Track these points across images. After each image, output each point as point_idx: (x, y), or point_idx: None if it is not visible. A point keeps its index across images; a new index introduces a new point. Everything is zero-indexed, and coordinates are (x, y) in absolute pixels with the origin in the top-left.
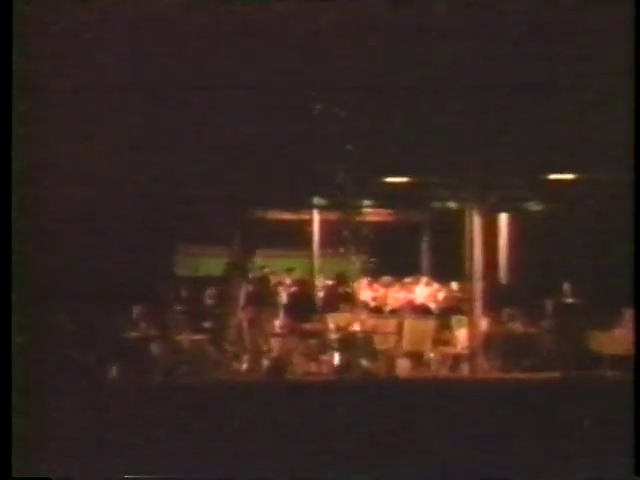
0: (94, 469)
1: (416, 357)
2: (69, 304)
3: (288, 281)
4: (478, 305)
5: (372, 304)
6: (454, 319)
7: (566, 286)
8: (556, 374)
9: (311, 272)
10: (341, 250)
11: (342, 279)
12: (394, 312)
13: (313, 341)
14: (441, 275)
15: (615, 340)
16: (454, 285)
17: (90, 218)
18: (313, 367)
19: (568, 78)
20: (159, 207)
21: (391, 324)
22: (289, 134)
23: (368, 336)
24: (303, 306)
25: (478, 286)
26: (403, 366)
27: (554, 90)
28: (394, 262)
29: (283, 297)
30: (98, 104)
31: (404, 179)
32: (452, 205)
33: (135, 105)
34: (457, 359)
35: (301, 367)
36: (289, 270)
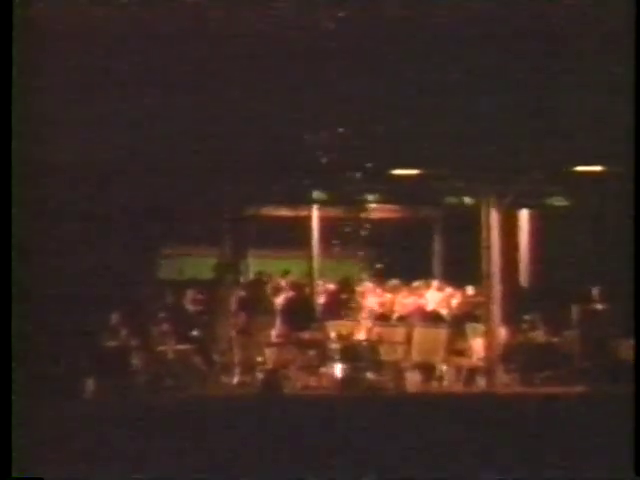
0: None
1: (427, 369)
2: (37, 310)
3: (284, 285)
4: (496, 311)
5: (378, 311)
6: (469, 327)
7: (595, 290)
8: (583, 388)
9: (310, 275)
10: (343, 250)
11: (344, 283)
12: (402, 319)
13: (312, 352)
14: (455, 278)
15: None
16: (469, 289)
17: (62, 214)
18: (312, 381)
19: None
20: (140, 203)
21: (399, 333)
22: (284, 121)
23: (373, 346)
24: (301, 313)
25: (496, 290)
26: (412, 379)
27: (581, 75)
28: (402, 264)
29: (278, 303)
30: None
31: (414, 171)
32: (467, 200)
33: (115, 97)
34: (472, 372)
35: (299, 381)
36: (285, 273)
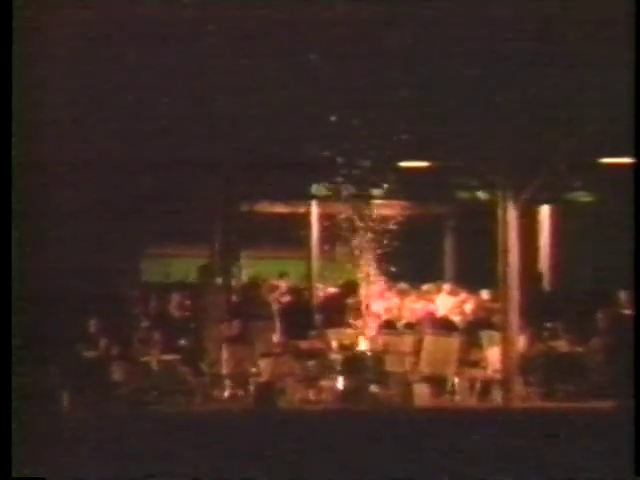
0: None
1: (437, 382)
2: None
3: (281, 288)
4: (514, 318)
5: (384, 317)
6: (484, 335)
7: (624, 295)
8: (610, 403)
9: (309, 277)
10: (345, 251)
11: (346, 286)
12: (410, 327)
13: (311, 362)
14: (468, 281)
15: None
16: (484, 293)
17: (31, 211)
18: (311, 394)
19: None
20: (121, 198)
21: (407, 342)
22: (280, 105)
23: (378, 356)
24: (299, 319)
25: (514, 295)
26: (421, 393)
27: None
28: (411, 265)
29: (274, 308)
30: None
31: (423, 163)
32: (482, 195)
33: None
34: (488, 385)
35: (296, 394)
36: (282, 275)
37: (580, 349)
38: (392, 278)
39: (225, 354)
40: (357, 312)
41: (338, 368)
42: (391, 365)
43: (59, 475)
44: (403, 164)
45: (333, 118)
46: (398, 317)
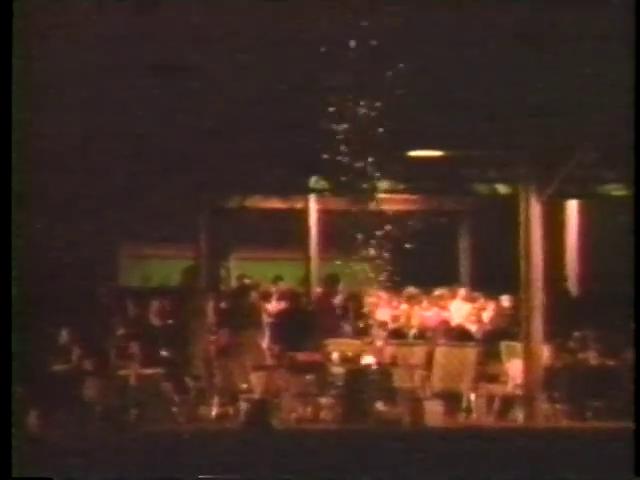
0: None
1: (451, 399)
2: None
3: (275, 294)
4: (537, 327)
5: (391, 325)
6: (504, 346)
7: None
8: None
9: (306, 282)
10: (348, 251)
11: (349, 291)
12: (421, 337)
13: (309, 377)
14: (486, 285)
15: None
16: (504, 299)
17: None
18: (309, 413)
19: None
20: (96, 190)
21: (417, 353)
22: (276, 90)
23: (385, 370)
24: (296, 328)
25: (537, 300)
26: (433, 411)
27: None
28: (421, 267)
29: (268, 316)
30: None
31: (436, 153)
32: (502, 189)
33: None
34: (508, 402)
35: (293, 413)
36: (276, 279)
37: (612, 361)
38: (400, 282)
39: (212, 368)
40: (361, 320)
41: (339, 383)
42: (399, 380)
43: None
44: (413, 153)
45: (333, 100)
46: (407, 326)
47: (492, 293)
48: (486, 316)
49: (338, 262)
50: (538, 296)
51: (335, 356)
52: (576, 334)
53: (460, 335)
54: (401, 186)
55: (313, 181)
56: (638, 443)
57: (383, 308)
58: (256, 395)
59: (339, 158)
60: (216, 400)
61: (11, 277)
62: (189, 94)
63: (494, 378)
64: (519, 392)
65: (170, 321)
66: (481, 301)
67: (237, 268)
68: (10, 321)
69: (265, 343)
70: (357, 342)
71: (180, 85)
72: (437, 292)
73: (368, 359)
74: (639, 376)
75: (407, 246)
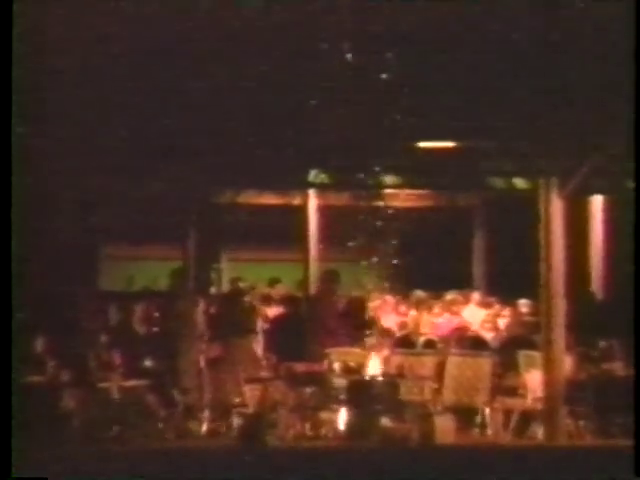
0: None
1: (465, 414)
2: None
3: (271, 298)
4: (559, 334)
5: (398, 333)
6: (522, 356)
7: None
8: None
9: (305, 285)
10: (351, 251)
11: (353, 295)
12: (431, 345)
13: (309, 389)
14: (503, 289)
15: None
16: (522, 304)
17: None
18: (309, 429)
19: None
20: (76, 186)
21: (427, 364)
22: (271, 75)
23: (392, 382)
24: (294, 336)
25: (559, 306)
26: (445, 427)
27: None
28: (432, 269)
29: (264, 323)
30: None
31: (447, 144)
32: (520, 183)
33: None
34: (527, 417)
35: (291, 429)
36: (273, 281)
37: None
38: (408, 285)
39: (202, 379)
40: (365, 327)
41: (342, 396)
42: (407, 393)
43: None
44: (422, 144)
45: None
46: (416, 333)
47: (509, 298)
48: (502, 323)
49: (340, 263)
50: (559, 301)
51: (337, 366)
52: (601, 343)
53: (474, 344)
54: (409, 180)
55: (313, 175)
56: (638, 443)
57: (389, 314)
58: (250, 409)
59: (341, 149)
60: (206, 415)
61: None
62: (173, 78)
63: (511, 391)
64: (539, 406)
65: (156, 328)
66: (497, 306)
67: (229, 270)
68: (10, 321)
69: (260, 352)
70: (361, 351)
71: (165, 69)
72: (449, 296)
73: (373, 370)
74: (638, 366)
75: (416, 246)
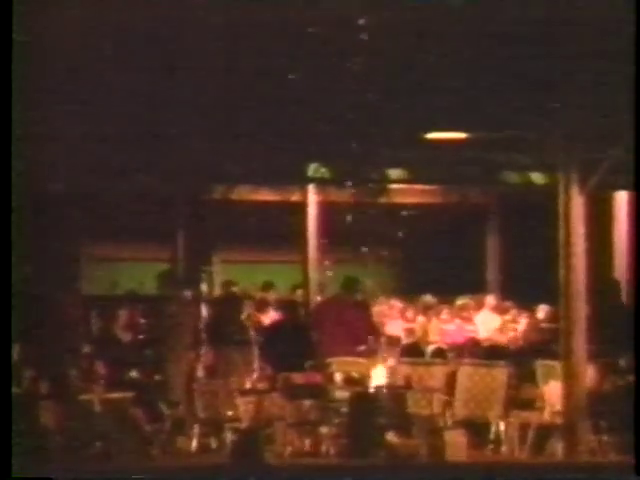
0: None
1: (477, 428)
2: None
3: (266, 303)
4: (579, 343)
5: (405, 341)
6: (540, 366)
7: None
8: None
9: (304, 289)
10: (353, 252)
11: (355, 300)
12: (441, 355)
13: (308, 402)
14: (519, 293)
15: None
16: (540, 310)
17: None
18: (308, 445)
19: None
20: (58, 183)
21: (436, 374)
22: (268, 64)
23: (398, 394)
24: (291, 345)
25: (580, 312)
26: (456, 443)
27: None
28: (441, 272)
29: (258, 330)
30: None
31: (458, 135)
32: (537, 178)
33: None
34: (545, 432)
35: (288, 445)
36: (267, 285)
37: None
38: (416, 289)
39: (192, 391)
40: (369, 335)
41: (343, 410)
42: (415, 405)
43: None
44: (431, 135)
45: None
46: (424, 341)
47: (526, 303)
48: (519, 330)
49: (340, 264)
50: (580, 306)
51: (338, 377)
52: (626, 351)
53: (488, 353)
54: (417, 175)
55: (312, 169)
56: (638, 443)
57: (395, 320)
58: (244, 424)
59: (343, 142)
60: (196, 430)
61: None
62: (162, 69)
63: (528, 404)
64: (558, 421)
65: (142, 335)
66: (513, 312)
67: (222, 272)
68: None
69: (255, 362)
70: (364, 361)
71: (155, 62)
72: (460, 301)
73: (377, 381)
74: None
75: (424, 246)
